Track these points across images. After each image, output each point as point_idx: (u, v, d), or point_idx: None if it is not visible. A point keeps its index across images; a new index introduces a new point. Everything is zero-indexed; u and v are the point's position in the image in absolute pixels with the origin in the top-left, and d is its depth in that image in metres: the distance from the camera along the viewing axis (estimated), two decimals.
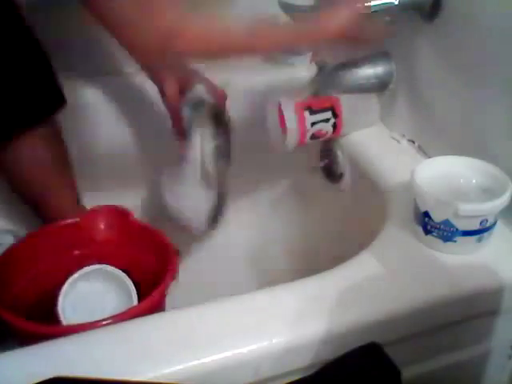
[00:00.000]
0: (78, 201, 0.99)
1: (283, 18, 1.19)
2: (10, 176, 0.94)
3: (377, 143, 0.92)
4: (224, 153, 0.89)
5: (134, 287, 0.82)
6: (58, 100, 0.93)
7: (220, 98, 0.90)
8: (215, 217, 0.93)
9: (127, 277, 0.83)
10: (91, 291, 0.83)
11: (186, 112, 0.86)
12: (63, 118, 1.00)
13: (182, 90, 0.87)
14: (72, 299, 0.80)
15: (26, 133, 0.88)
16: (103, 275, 0.83)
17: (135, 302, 0.81)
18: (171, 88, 0.86)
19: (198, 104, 0.86)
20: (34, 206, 0.97)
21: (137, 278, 0.84)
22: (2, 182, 0.96)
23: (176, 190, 0.90)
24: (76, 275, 0.81)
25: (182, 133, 0.87)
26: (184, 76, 0.87)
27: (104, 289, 0.83)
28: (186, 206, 0.90)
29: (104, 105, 1.06)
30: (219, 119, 0.87)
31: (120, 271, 0.83)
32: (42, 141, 0.92)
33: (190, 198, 0.90)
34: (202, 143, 0.86)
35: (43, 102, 0.90)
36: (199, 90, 0.87)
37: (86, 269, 0.82)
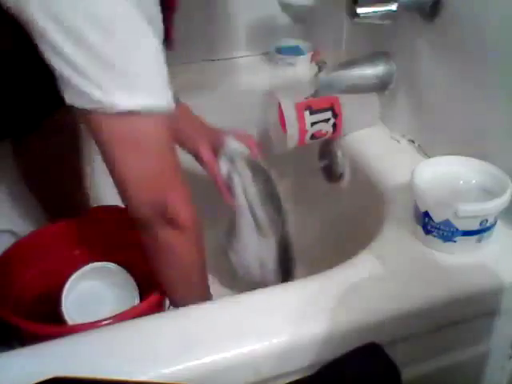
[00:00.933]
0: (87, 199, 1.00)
1: (283, 18, 1.20)
2: (24, 172, 0.94)
3: (377, 143, 0.92)
4: (272, 199, 0.89)
5: (135, 284, 0.82)
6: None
7: (252, 145, 0.90)
8: (286, 269, 0.93)
9: (129, 274, 0.82)
10: (93, 289, 0.83)
11: (223, 167, 0.87)
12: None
13: (216, 150, 0.88)
14: (75, 297, 0.80)
15: (43, 124, 0.88)
16: (105, 273, 0.82)
17: (137, 299, 0.81)
18: (206, 152, 0.87)
19: (232, 155, 0.86)
20: (47, 202, 0.97)
21: (137, 278, 0.84)
22: (1, 182, 0.96)
23: (235, 246, 0.91)
24: (79, 272, 0.81)
25: (225, 190, 0.88)
26: (214, 136, 0.88)
27: (106, 286, 0.84)
28: (250, 260, 0.91)
29: None
30: (255, 166, 0.88)
31: (122, 268, 0.83)
32: (59, 134, 0.92)
33: (250, 250, 0.90)
34: (244, 190, 0.86)
35: (53, 95, 0.91)
36: (231, 144, 0.87)
37: (89, 266, 0.82)
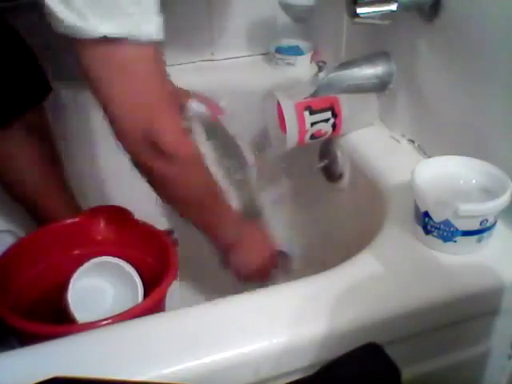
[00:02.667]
0: (71, 200, 0.99)
1: (283, 18, 1.20)
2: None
3: (377, 143, 0.92)
4: (229, 155, 0.89)
5: (139, 279, 0.82)
6: (43, 88, 0.94)
7: (212, 107, 0.91)
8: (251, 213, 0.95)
9: (133, 269, 0.82)
10: (97, 284, 0.83)
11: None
12: (63, 119, 1.00)
13: (180, 111, 0.88)
14: (78, 294, 0.80)
15: (12, 125, 0.88)
16: (109, 269, 0.82)
17: (140, 294, 0.81)
18: None
19: (189, 117, 0.88)
20: (26, 206, 0.97)
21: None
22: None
23: None
24: (84, 267, 0.80)
25: None
26: (177, 97, 0.88)
27: (110, 281, 0.84)
28: None
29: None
30: (210, 126, 0.89)
31: (127, 263, 0.82)
32: (29, 137, 0.92)
33: None
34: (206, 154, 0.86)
35: (27, 92, 0.91)
36: (194, 106, 0.89)
37: (94, 260, 0.82)
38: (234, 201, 0.90)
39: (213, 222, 0.79)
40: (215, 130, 0.89)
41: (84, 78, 0.63)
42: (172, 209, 0.76)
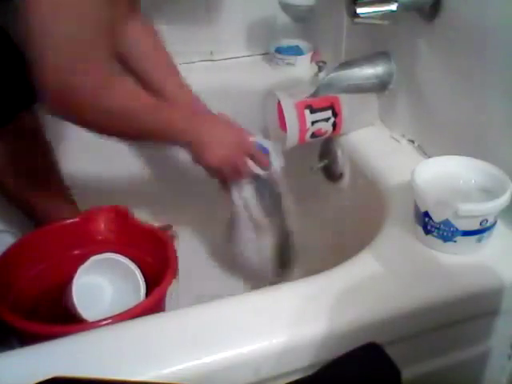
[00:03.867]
0: (68, 201, 0.99)
1: (283, 18, 1.20)
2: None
3: (377, 143, 0.92)
4: (269, 194, 0.89)
5: (142, 277, 0.82)
6: (32, 94, 0.94)
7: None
8: (283, 262, 0.94)
9: (136, 266, 0.82)
10: (99, 283, 0.83)
11: None
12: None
13: None
14: (80, 291, 0.80)
15: (6, 127, 0.88)
16: (111, 267, 0.82)
17: (143, 292, 0.81)
18: None
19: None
20: (24, 208, 0.97)
21: None
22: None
23: (233, 235, 0.91)
24: (86, 264, 0.80)
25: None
26: None
27: (111, 280, 0.84)
28: (246, 251, 0.92)
29: None
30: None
31: (129, 261, 0.82)
32: (24, 138, 0.92)
33: (246, 242, 0.91)
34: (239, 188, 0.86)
35: (20, 94, 0.91)
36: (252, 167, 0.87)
37: (96, 257, 0.81)
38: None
39: (160, 127, 0.76)
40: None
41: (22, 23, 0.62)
42: (113, 136, 0.73)
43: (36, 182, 0.95)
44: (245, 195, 0.87)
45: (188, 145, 0.79)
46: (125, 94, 0.71)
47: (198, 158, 0.80)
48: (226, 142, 0.82)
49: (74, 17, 0.63)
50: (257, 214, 0.88)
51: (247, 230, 0.90)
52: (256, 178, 0.86)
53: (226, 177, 0.84)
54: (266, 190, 0.89)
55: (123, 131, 0.74)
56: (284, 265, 0.95)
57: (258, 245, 0.91)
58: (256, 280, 0.94)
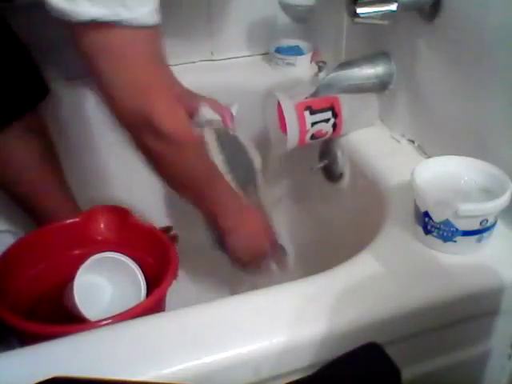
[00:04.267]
0: (69, 200, 0.99)
1: (283, 18, 1.20)
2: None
3: (377, 143, 0.92)
4: (241, 166, 0.90)
5: (142, 276, 0.82)
6: (40, 90, 0.94)
7: (224, 113, 0.91)
8: None
9: (137, 265, 0.82)
10: (99, 282, 0.83)
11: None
12: (63, 117, 1.00)
13: (190, 115, 0.88)
14: (81, 291, 0.79)
15: (10, 127, 0.89)
16: (111, 266, 0.82)
17: (143, 291, 0.81)
18: None
19: (201, 124, 0.88)
20: (25, 206, 0.97)
21: None
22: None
23: None
24: (86, 263, 0.80)
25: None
26: (189, 101, 0.89)
27: (111, 279, 0.83)
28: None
29: None
30: (224, 134, 0.89)
31: (130, 260, 0.82)
32: (27, 138, 0.93)
33: None
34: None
35: (24, 94, 0.91)
36: (204, 112, 0.88)
37: (97, 256, 0.81)
38: None
39: (213, 202, 0.79)
40: (226, 138, 0.89)
41: (83, 61, 0.64)
42: (172, 188, 0.76)
43: (38, 180, 0.95)
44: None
45: (225, 229, 0.82)
46: (197, 160, 0.74)
47: (229, 245, 0.83)
48: (260, 243, 0.86)
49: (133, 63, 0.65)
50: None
51: None
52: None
53: (245, 265, 0.87)
54: (237, 159, 0.90)
55: (181, 189, 0.77)
56: None
57: None
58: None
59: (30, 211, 0.98)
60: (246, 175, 0.91)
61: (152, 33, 0.64)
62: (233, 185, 0.87)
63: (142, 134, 0.67)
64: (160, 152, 0.69)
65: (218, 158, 0.86)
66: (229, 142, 0.90)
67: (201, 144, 0.74)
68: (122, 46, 0.63)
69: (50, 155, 0.98)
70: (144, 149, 0.70)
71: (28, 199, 0.96)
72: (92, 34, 0.61)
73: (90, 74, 0.64)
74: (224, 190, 0.80)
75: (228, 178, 0.86)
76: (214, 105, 0.91)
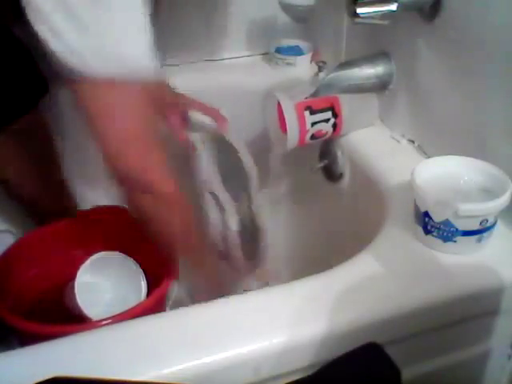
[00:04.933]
0: (69, 199, 0.99)
1: (283, 18, 1.20)
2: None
3: (377, 143, 0.92)
4: (236, 174, 0.90)
5: (143, 275, 0.82)
6: (40, 90, 0.94)
7: (218, 118, 0.91)
8: (253, 252, 0.95)
9: (137, 264, 0.82)
10: (100, 281, 0.83)
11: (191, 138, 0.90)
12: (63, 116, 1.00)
13: (184, 120, 0.91)
14: (82, 290, 0.80)
15: (9, 127, 0.89)
16: (112, 265, 0.82)
17: (144, 290, 0.81)
18: (174, 120, 0.90)
19: (197, 129, 0.89)
20: (25, 206, 0.97)
21: None
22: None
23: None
24: (87, 262, 0.80)
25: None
26: (182, 107, 0.91)
27: (113, 278, 0.84)
28: (213, 234, 0.92)
29: None
30: (220, 140, 0.89)
31: (132, 260, 0.82)
32: (26, 138, 0.93)
33: (212, 224, 0.92)
34: (206, 166, 0.88)
35: (24, 94, 0.91)
36: (197, 117, 0.90)
37: (98, 255, 0.81)
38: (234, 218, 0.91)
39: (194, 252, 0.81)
40: (219, 144, 0.90)
41: (79, 112, 0.64)
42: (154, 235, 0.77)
43: (39, 179, 0.95)
44: (210, 171, 0.89)
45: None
46: (181, 217, 0.75)
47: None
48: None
49: (131, 120, 0.66)
50: (220, 193, 0.89)
51: (212, 207, 0.91)
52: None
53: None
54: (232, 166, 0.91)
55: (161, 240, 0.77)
56: (252, 250, 0.94)
57: (223, 227, 0.92)
58: (231, 271, 0.94)
59: (30, 210, 0.98)
60: (239, 182, 0.91)
61: (149, 90, 0.64)
62: (226, 194, 0.87)
63: (132, 190, 0.69)
64: (147, 208, 0.70)
65: (211, 165, 0.87)
66: (222, 149, 0.90)
67: (184, 199, 0.74)
68: (118, 102, 0.63)
69: (50, 155, 0.98)
70: (132, 203, 0.72)
71: (29, 198, 0.96)
72: (92, 89, 0.61)
73: (86, 123, 0.64)
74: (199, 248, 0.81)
75: (222, 185, 0.87)
76: (204, 108, 0.92)
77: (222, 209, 0.90)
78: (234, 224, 0.90)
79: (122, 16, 0.59)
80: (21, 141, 0.93)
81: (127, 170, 0.66)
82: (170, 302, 0.79)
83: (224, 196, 0.89)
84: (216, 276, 0.86)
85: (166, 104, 0.89)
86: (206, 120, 0.90)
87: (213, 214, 0.90)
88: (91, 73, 0.59)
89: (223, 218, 0.90)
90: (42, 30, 0.58)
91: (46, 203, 0.97)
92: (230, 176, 0.90)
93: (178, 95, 0.91)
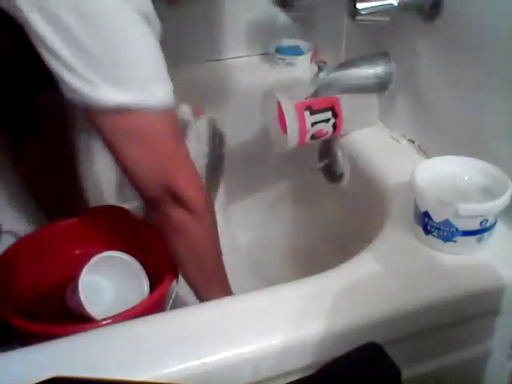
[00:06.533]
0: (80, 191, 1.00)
1: (283, 18, 1.20)
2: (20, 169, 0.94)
3: (377, 143, 0.92)
4: (216, 167, 0.91)
5: (145, 275, 0.82)
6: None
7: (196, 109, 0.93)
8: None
9: (139, 264, 0.82)
10: (102, 281, 0.83)
11: None
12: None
13: None
14: (85, 290, 0.79)
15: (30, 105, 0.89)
16: (114, 265, 0.82)
17: (146, 291, 0.81)
18: None
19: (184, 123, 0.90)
20: (35, 196, 0.97)
21: None
22: (1, 182, 0.96)
23: None
24: (91, 263, 0.80)
25: None
26: None
27: (114, 278, 0.83)
28: None
29: None
30: (213, 127, 0.90)
31: (133, 259, 0.82)
32: (40, 135, 0.93)
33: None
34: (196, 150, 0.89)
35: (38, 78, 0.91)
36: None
37: (101, 255, 0.81)
38: None
39: (210, 277, 0.79)
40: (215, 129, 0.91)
41: (103, 144, 0.65)
42: (175, 257, 0.77)
43: (52, 177, 0.95)
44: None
45: None
46: (212, 234, 0.75)
47: None
48: None
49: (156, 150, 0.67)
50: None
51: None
52: None
53: None
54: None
55: (188, 263, 0.77)
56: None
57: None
58: None
59: (40, 202, 0.98)
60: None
61: (170, 111, 0.65)
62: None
63: (165, 204, 0.69)
64: (184, 222, 0.70)
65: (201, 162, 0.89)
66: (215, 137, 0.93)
67: (215, 215, 0.75)
68: (139, 128, 0.64)
69: (64, 152, 0.98)
70: (164, 219, 0.71)
71: (41, 189, 0.96)
72: (109, 117, 0.62)
73: (111, 154, 0.65)
74: (220, 272, 0.80)
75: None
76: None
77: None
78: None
79: (131, 44, 0.60)
80: (36, 139, 0.92)
81: (161, 186, 0.67)
82: (171, 302, 0.79)
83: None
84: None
85: None
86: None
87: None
88: (104, 100, 0.59)
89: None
90: (52, 62, 0.59)
91: (58, 202, 0.97)
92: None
93: None
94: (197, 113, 0.94)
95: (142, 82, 0.62)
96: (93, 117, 0.62)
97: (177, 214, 0.69)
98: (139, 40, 0.61)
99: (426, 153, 0.86)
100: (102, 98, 0.59)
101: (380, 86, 0.91)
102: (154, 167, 0.66)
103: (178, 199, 0.68)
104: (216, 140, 0.96)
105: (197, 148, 0.91)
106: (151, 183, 0.67)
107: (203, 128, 0.92)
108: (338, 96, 0.91)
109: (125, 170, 0.66)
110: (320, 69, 1.06)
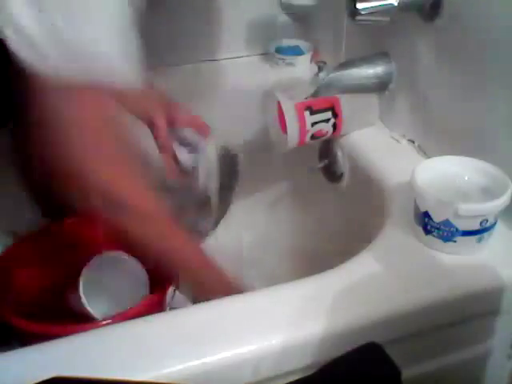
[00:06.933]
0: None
1: (283, 18, 1.20)
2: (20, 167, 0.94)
3: (377, 143, 0.92)
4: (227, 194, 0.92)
5: (146, 274, 0.82)
6: None
7: (203, 130, 0.91)
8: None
9: (140, 264, 0.82)
10: (102, 281, 0.83)
11: (183, 153, 0.90)
12: None
13: (170, 126, 0.88)
14: (86, 290, 0.79)
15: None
16: (114, 265, 0.82)
17: (147, 290, 0.81)
18: (161, 123, 0.87)
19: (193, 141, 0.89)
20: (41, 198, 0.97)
21: None
22: (1, 182, 0.96)
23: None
24: (91, 263, 0.80)
25: (171, 163, 0.89)
26: (170, 113, 0.88)
27: (115, 278, 0.83)
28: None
29: None
30: (225, 152, 0.90)
31: (134, 259, 0.82)
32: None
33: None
34: (207, 178, 0.89)
35: None
36: (188, 134, 0.89)
37: (101, 255, 0.81)
38: None
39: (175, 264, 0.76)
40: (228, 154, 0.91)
41: (36, 120, 0.58)
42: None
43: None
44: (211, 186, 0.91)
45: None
46: (158, 231, 0.71)
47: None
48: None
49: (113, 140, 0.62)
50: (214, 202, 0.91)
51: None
52: None
53: None
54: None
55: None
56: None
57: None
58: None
59: (44, 206, 0.98)
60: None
61: (125, 95, 0.61)
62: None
63: (107, 208, 0.65)
64: (122, 224, 0.67)
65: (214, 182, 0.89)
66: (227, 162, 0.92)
67: (162, 212, 0.70)
68: (87, 110, 0.58)
69: None
70: (107, 223, 0.68)
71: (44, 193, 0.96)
72: (53, 96, 0.55)
73: (42, 133, 0.58)
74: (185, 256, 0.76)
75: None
76: (190, 121, 0.90)
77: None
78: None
79: (96, 15, 0.54)
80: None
81: (98, 186, 0.62)
82: (171, 302, 0.79)
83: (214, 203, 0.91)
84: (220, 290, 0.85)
85: (154, 111, 0.86)
86: (191, 135, 0.90)
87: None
88: (53, 72, 0.53)
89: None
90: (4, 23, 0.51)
91: (58, 202, 0.96)
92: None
93: (165, 101, 0.89)
94: (204, 132, 0.92)
95: (99, 55, 0.55)
96: (36, 91, 0.55)
97: (118, 219, 0.65)
98: (109, 12, 0.54)
99: (425, 153, 0.86)
100: (45, 65, 0.53)
101: (380, 86, 0.91)
102: (93, 159, 0.61)
103: (117, 204, 0.64)
104: (227, 166, 0.94)
105: (207, 173, 0.90)
106: (89, 179, 0.62)
107: (212, 153, 0.90)
108: (338, 96, 0.91)
109: (57, 157, 0.60)
110: (320, 69, 1.06)
